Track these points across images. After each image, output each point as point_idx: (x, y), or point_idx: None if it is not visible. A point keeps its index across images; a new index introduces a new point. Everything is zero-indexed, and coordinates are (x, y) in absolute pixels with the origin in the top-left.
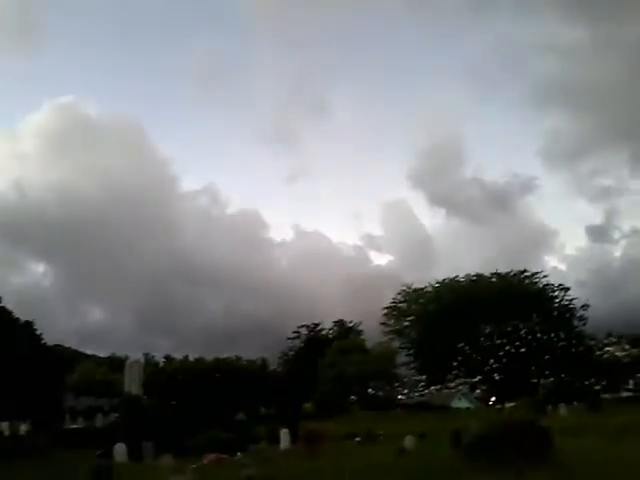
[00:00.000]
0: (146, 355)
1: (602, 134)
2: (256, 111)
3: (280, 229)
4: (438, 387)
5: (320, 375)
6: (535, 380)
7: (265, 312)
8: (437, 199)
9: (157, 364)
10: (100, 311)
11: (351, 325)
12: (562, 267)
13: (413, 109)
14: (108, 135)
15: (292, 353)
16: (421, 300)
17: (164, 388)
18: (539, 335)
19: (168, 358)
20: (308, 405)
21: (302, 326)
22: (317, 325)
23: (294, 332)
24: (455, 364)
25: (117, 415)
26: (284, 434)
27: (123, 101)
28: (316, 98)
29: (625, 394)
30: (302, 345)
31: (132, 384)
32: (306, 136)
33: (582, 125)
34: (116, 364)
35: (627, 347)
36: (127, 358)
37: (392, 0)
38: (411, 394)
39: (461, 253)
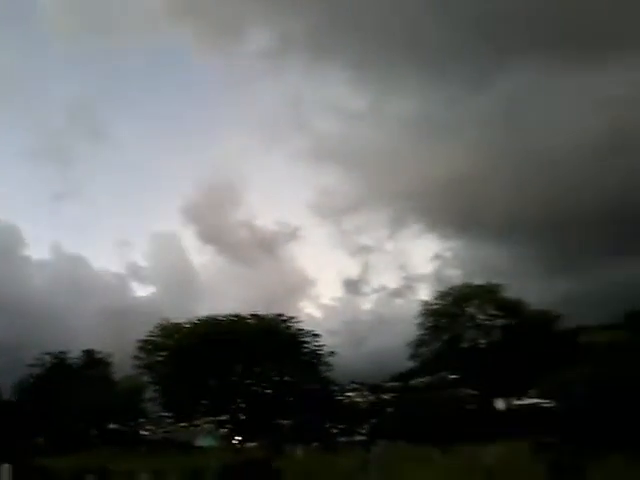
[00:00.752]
0: None
1: (368, 196)
2: (29, 125)
3: (40, 248)
4: (185, 424)
5: (60, 407)
6: (278, 421)
7: (8, 334)
8: (208, 236)
9: None
10: None
11: (101, 356)
12: (318, 315)
13: (195, 146)
14: None
15: (31, 381)
16: (177, 335)
17: None
18: (286, 378)
19: None
20: (42, 439)
21: (47, 353)
22: (63, 353)
23: (36, 359)
24: (203, 402)
25: None
26: (5, 470)
27: None
28: (97, 123)
29: (359, 438)
30: (44, 374)
31: None
32: (81, 158)
33: (351, 185)
34: None
35: (366, 394)
36: None
37: (191, 40)
38: (157, 430)
39: (226, 292)
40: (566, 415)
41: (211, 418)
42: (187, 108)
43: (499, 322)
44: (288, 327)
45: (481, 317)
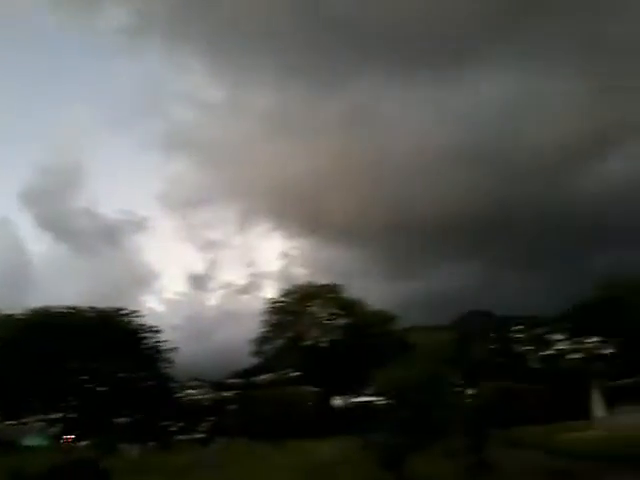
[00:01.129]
0: None
1: (218, 189)
2: None
3: None
4: (11, 422)
5: None
6: (113, 419)
7: None
8: (46, 223)
9: None
10: None
11: None
12: (161, 309)
13: (37, 125)
14: None
15: None
16: (7, 327)
17: None
18: (124, 374)
19: None
20: None
21: None
22: None
23: None
24: (33, 398)
25: None
26: None
27: None
28: None
29: (199, 435)
30: None
31: None
32: None
33: (202, 177)
34: None
35: (208, 391)
36: None
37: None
38: None
39: (63, 282)
40: (393, 411)
41: (41, 416)
42: (30, 81)
43: (340, 321)
44: (128, 321)
45: (323, 316)
